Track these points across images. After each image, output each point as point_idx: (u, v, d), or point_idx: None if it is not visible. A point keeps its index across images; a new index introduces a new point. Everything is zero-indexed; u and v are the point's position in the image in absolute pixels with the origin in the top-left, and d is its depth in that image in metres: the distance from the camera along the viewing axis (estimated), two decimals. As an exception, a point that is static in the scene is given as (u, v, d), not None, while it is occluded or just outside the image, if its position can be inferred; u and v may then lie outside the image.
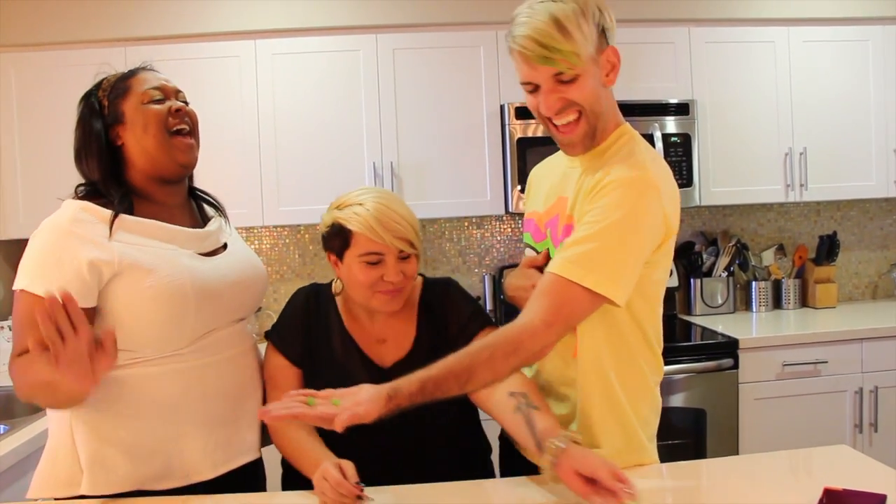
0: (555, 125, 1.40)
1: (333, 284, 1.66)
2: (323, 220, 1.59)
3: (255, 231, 3.52)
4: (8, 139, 3.06)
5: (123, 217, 1.41)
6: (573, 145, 1.42)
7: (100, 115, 1.47)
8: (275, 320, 1.69)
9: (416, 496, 1.42)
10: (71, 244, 1.35)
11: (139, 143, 1.46)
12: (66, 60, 3.04)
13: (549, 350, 1.34)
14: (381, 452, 1.53)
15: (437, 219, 3.53)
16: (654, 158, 1.42)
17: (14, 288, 1.37)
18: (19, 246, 1.42)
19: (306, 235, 3.55)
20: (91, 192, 1.47)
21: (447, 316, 1.65)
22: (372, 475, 1.39)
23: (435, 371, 1.24)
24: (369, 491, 1.34)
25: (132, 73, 1.51)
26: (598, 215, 1.31)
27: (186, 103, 1.54)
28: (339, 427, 1.15)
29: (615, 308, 1.34)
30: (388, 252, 1.50)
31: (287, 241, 3.55)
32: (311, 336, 1.62)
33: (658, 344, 1.51)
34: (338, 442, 1.43)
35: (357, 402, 1.19)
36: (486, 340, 1.28)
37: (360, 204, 1.51)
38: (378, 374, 1.54)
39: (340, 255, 1.56)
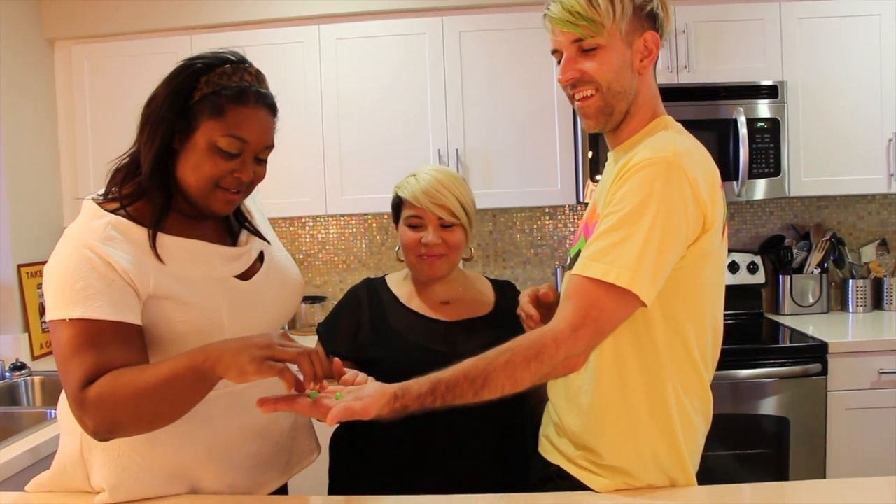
0: (573, 96, 1.35)
1: (396, 253, 1.77)
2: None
3: (322, 219, 3.49)
4: (82, 129, 3.14)
5: (158, 235, 1.29)
6: (587, 118, 1.35)
7: (183, 106, 1.27)
8: None
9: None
10: (104, 265, 1.22)
11: (184, 169, 1.30)
12: (134, 50, 3.09)
13: (581, 361, 1.19)
14: (417, 445, 1.55)
15: (509, 209, 3.40)
16: (684, 140, 1.28)
17: (50, 318, 1.23)
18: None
19: (374, 225, 3.49)
20: (124, 191, 1.32)
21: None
22: (406, 468, 1.50)
23: (449, 373, 1.12)
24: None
25: (242, 96, 1.28)
26: (616, 205, 1.20)
27: (264, 161, 1.36)
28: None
29: (648, 312, 1.20)
30: (428, 217, 1.63)
31: (354, 230, 3.50)
32: (361, 326, 1.68)
33: (706, 366, 1.32)
34: (375, 434, 1.53)
35: (357, 397, 1.08)
36: (506, 344, 1.16)
37: (414, 175, 1.67)
38: (442, 328, 1.66)
39: (397, 221, 1.71)
